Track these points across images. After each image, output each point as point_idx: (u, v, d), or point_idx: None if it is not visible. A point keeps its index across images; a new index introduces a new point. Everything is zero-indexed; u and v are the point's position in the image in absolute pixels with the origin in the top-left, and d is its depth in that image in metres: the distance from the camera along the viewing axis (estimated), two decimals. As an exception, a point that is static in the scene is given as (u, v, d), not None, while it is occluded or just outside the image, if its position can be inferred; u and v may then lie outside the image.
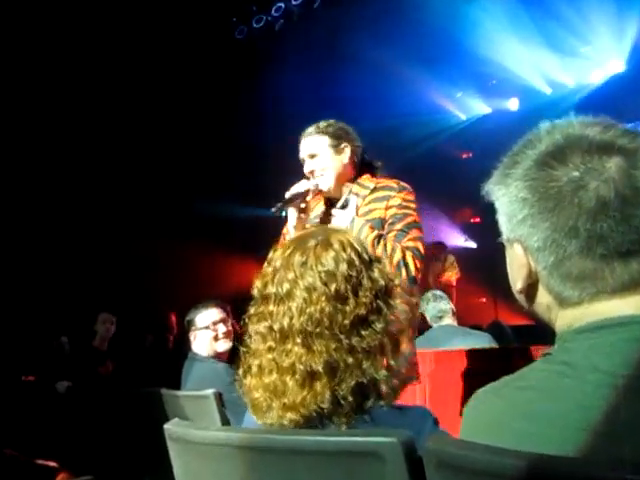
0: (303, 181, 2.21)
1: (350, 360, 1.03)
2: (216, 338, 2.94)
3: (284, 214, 2.16)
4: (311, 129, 2.26)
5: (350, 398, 1.01)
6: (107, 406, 2.75)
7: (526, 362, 0.82)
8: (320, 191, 2.24)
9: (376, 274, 1.09)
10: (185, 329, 3.07)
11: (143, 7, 6.72)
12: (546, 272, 0.81)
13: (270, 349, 1.08)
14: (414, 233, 2.09)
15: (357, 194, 2.20)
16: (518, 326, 5.35)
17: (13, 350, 3.98)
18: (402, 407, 1.08)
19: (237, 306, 2.08)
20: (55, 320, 5.06)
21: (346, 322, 1.04)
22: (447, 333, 3.39)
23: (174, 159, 7.57)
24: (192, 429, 1.03)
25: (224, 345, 2.94)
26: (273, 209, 2.13)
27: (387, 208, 2.13)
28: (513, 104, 8.65)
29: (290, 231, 2.17)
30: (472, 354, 2.50)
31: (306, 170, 2.25)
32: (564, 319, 0.81)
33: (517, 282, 0.85)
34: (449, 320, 3.57)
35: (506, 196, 0.84)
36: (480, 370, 2.32)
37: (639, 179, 0.76)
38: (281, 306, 1.07)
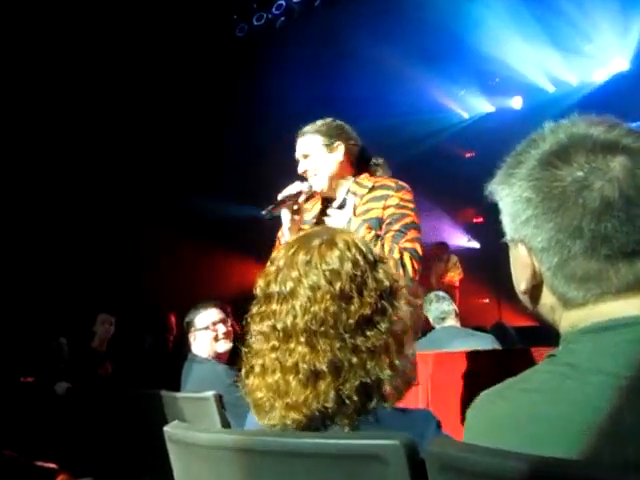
0: (296, 183, 2.19)
1: (354, 360, 1.02)
2: (216, 338, 2.92)
3: (272, 217, 2.12)
4: (305, 128, 2.24)
5: (355, 398, 1.01)
6: (106, 408, 2.74)
7: (530, 364, 0.81)
8: (314, 192, 2.22)
9: (381, 275, 1.09)
10: (185, 330, 3.05)
11: (143, 4, 6.72)
12: (550, 273, 0.80)
13: (273, 348, 1.07)
14: (412, 234, 2.07)
15: (355, 193, 2.18)
16: (522, 327, 5.33)
17: (12, 351, 3.97)
18: (405, 409, 1.08)
19: (237, 307, 2.07)
20: (54, 321, 5.04)
21: (351, 321, 1.03)
22: (450, 334, 3.38)
23: (174, 158, 7.56)
24: (192, 431, 1.03)
25: (224, 345, 2.92)
26: (263, 212, 2.10)
27: (385, 208, 2.11)
28: (516, 102, 8.60)
29: (285, 234, 2.15)
30: (475, 356, 2.49)
31: (300, 170, 2.23)
32: (568, 320, 0.81)
33: (521, 283, 0.85)
34: (452, 321, 3.56)
35: (510, 196, 0.83)
36: (483, 372, 2.31)
37: None
38: (284, 305, 1.07)
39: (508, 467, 0.63)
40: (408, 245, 2.04)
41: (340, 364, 1.02)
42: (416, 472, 0.77)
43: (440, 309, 3.57)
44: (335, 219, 2.13)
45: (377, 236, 2.05)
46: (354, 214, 2.13)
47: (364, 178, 2.22)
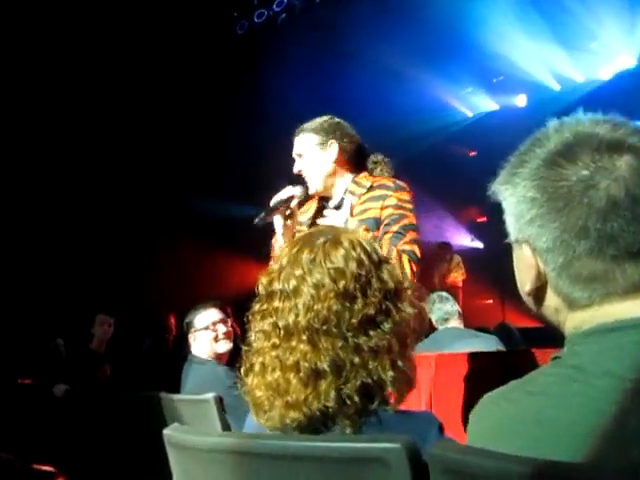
0: (287, 187, 2.14)
1: (356, 360, 1.01)
2: (216, 339, 2.92)
3: (265, 224, 2.08)
4: (301, 127, 2.22)
5: (356, 398, 1.00)
6: (105, 410, 2.73)
7: (534, 365, 0.81)
8: (309, 195, 2.19)
9: (385, 275, 1.08)
10: (184, 331, 3.04)
11: (143, 3, 6.72)
12: (555, 273, 0.80)
13: (274, 346, 1.07)
14: (410, 236, 2.05)
15: (353, 193, 2.16)
16: (526, 328, 5.31)
17: (9, 352, 3.96)
18: (408, 412, 1.07)
19: (237, 307, 2.05)
20: (52, 322, 5.02)
21: (354, 321, 1.02)
22: (453, 336, 3.36)
23: (174, 158, 7.56)
24: (191, 435, 1.02)
25: (224, 346, 2.92)
26: (256, 220, 2.04)
27: (383, 208, 2.08)
28: (521, 100, 8.55)
29: (279, 239, 2.11)
30: (478, 357, 2.47)
31: (295, 170, 2.21)
32: (573, 321, 0.81)
33: (525, 284, 0.84)
34: (455, 322, 3.54)
35: (514, 196, 0.83)
36: (487, 374, 2.29)
37: None
38: (287, 303, 1.06)
39: (512, 471, 0.63)
40: (407, 247, 2.02)
41: (342, 363, 1.01)
42: (419, 475, 0.76)
43: (443, 310, 3.55)
44: (331, 220, 2.09)
45: (374, 238, 2.01)
46: (351, 214, 2.10)
47: (363, 177, 2.19)
